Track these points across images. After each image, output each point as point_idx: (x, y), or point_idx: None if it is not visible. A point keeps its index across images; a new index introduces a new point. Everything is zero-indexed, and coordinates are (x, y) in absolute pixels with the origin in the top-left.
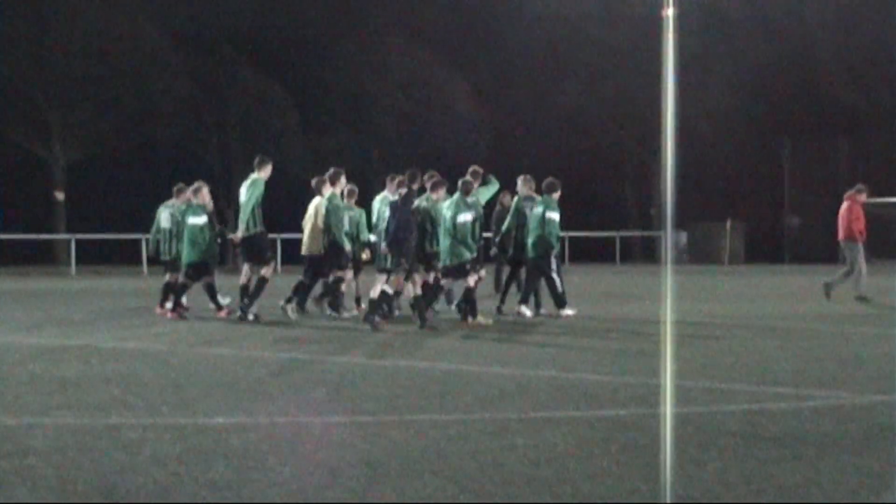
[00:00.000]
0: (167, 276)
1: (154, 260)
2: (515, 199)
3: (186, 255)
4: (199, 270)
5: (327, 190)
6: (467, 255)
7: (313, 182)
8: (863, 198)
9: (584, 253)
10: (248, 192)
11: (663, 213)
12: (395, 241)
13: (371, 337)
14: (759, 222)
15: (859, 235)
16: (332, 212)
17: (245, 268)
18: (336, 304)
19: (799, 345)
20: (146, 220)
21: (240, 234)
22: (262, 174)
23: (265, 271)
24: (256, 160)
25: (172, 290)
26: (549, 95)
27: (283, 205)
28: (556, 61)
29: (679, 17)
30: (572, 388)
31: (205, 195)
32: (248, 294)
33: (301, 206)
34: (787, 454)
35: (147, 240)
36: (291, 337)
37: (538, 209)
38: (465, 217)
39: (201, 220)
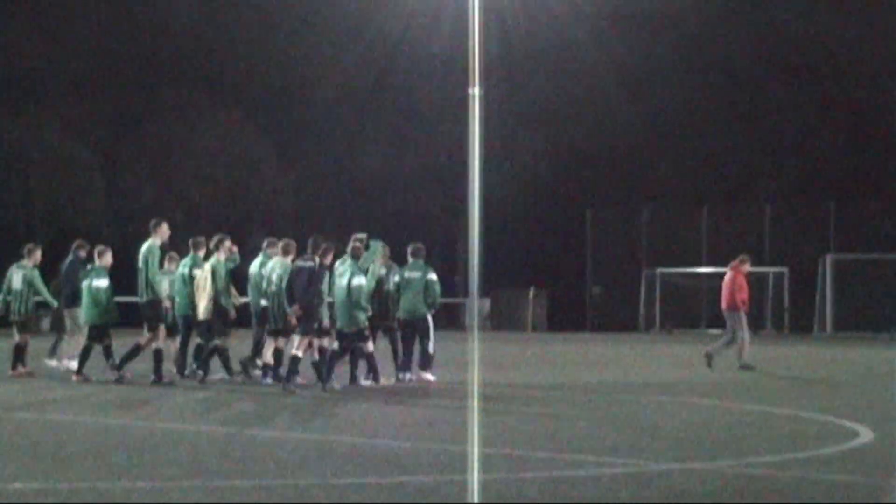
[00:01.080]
0: (16, 337)
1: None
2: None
3: (89, 316)
4: (101, 332)
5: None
6: (363, 319)
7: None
8: (746, 268)
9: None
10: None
11: (469, 280)
12: (308, 305)
13: (172, 400)
14: (562, 290)
15: (742, 304)
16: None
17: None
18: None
19: (599, 412)
20: None
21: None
22: (157, 238)
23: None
24: (152, 223)
25: (23, 351)
26: (355, 159)
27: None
28: (361, 125)
29: (485, 90)
30: (375, 454)
31: (108, 258)
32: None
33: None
34: None
35: None
36: (120, 402)
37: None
38: (360, 280)
39: (104, 282)
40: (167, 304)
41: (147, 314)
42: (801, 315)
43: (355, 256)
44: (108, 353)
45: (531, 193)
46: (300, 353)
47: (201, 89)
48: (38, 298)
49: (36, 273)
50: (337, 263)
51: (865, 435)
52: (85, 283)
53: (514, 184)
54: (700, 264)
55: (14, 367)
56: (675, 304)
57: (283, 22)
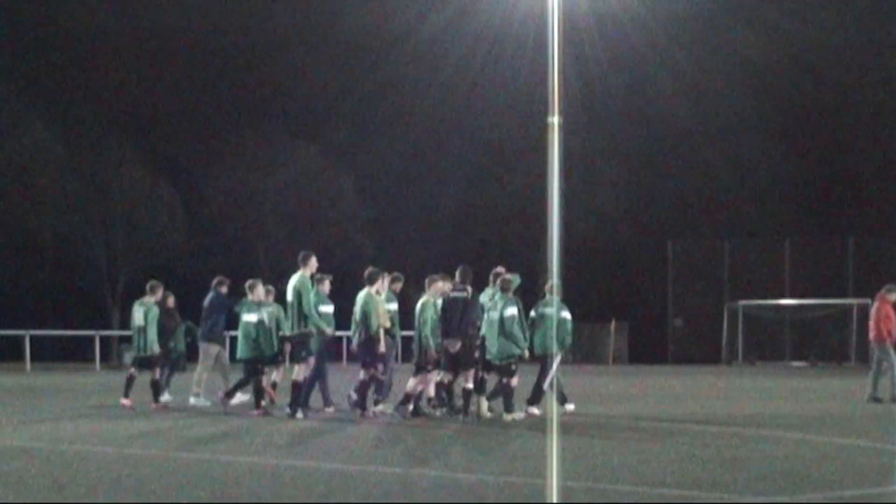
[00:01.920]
0: (155, 373)
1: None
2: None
3: (241, 351)
4: (254, 366)
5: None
6: (516, 351)
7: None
8: (892, 297)
9: None
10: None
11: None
12: (465, 336)
13: (258, 436)
14: (643, 323)
15: (888, 336)
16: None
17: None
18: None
19: (682, 446)
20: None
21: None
22: (306, 270)
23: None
24: (301, 255)
25: (157, 386)
26: (435, 194)
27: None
28: (441, 160)
29: (564, 121)
30: (459, 488)
31: (259, 292)
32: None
33: (187, 301)
34: None
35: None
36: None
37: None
38: (512, 311)
39: (254, 316)
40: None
41: (298, 347)
42: None
43: (504, 289)
44: (257, 387)
45: (612, 225)
46: (470, 385)
47: (281, 125)
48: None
49: (155, 310)
50: (483, 297)
51: None
52: (243, 319)
53: (594, 216)
54: (783, 296)
55: (156, 400)
56: (757, 336)
57: (362, 58)
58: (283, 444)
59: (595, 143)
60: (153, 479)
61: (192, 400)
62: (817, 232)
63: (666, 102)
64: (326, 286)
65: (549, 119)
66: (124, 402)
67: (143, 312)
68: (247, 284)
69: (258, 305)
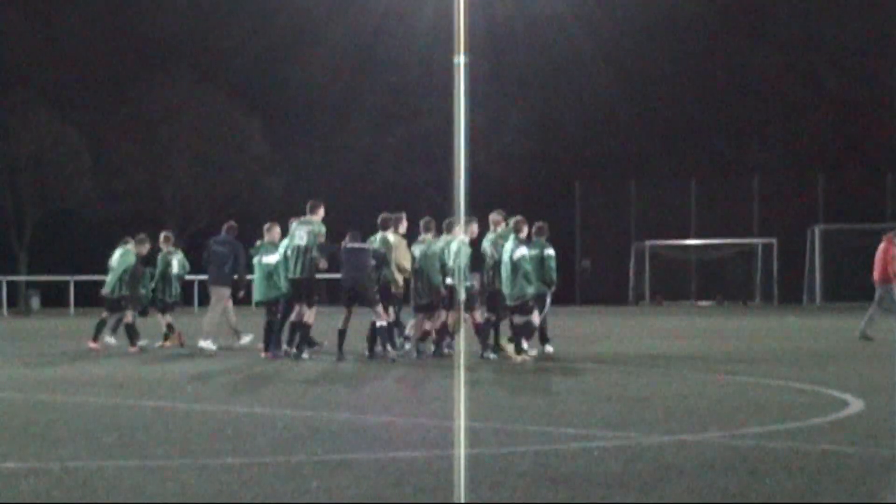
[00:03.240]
0: (127, 316)
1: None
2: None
3: (260, 293)
4: (271, 307)
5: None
6: (529, 290)
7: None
8: None
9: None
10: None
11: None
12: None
13: (165, 381)
14: None
15: (894, 277)
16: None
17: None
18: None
19: (590, 386)
20: None
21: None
22: (316, 216)
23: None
24: (309, 205)
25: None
26: (343, 136)
27: (79, 246)
28: (348, 103)
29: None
30: (366, 430)
31: (275, 233)
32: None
33: (95, 246)
34: (576, 495)
35: None
36: (109, 382)
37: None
38: (522, 252)
39: (273, 257)
40: None
41: (307, 291)
42: (791, 286)
43: (517, 231)
44: (270, 327)
45: (519, 167)
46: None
47: (186, 68)
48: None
49: (130, 257)
50: (485, 242)
51: (855, 405)
52: (255, 260)
53: (501, 158)
54: (689, 236)
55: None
56: (664, 276)
57: (266, 1)
58: (210, 389)
59: (502, 84)
60: (59, 423)
61: (201, 343)
62: (723, 172)
63: (572, 44)
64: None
65: (455, 59)
66: (92, 345)
67: (118, 255)
68: (265, 227)
69: (275, 247)
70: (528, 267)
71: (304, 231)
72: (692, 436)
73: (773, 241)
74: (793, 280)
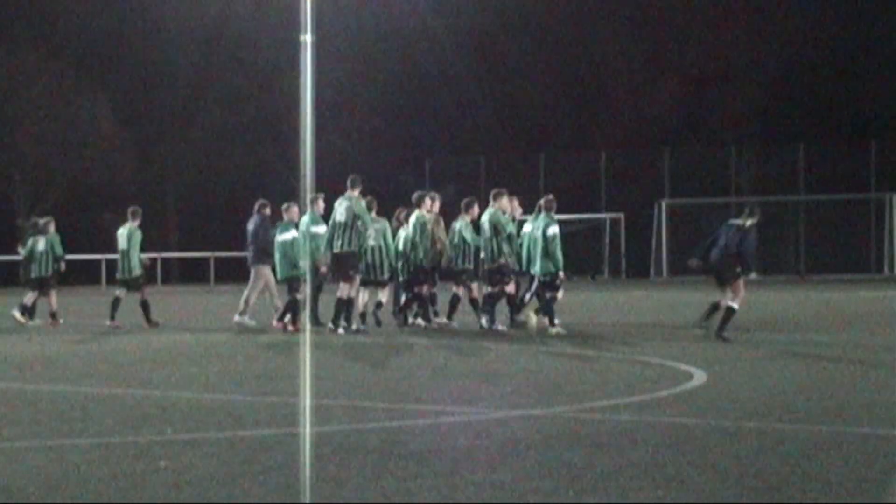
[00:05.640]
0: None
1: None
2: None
3: (283, 271)
4: (295, 284)
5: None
6: (551, 269)
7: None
8: None
9: (232, 273)
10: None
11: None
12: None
13: (12, 361)
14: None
15: None
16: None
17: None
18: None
19: (438, 361)
20: None
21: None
22: (355, 192)
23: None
24: (350, 179)
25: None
26: (194, 115)
27: None
28: (197, 81)
29: (318, 42)
30: (214, 409)
31: (293, 212)
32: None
33: None
34: (424, 470)
35: None
36: None
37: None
38: (554, 230)
39: (290, 235)
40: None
41: (346, 265)
42: (638, 260)
43: (548, 209)
44: (290, 305)
45: (369, 145)
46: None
47: (32, 45)
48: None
49: (138, 234)
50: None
51: (699, 377)
52: (278, 239)
53: (350, 135)
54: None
55: (112, 319)
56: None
57: None
58: (59, 370)
59: (352, 62)
60: None
61: (236, 317)
62: (571, 146)
63: (420, 21)
64: (320, 206)
65: (302, 37)
66: (110, 323)
67: (126, 237)
68: (283, 207)
69: (294, 225)
70: (558, 244)
71: (343, 207)
72: (539, 410)
73: (621, 215)
74: (640, 254)
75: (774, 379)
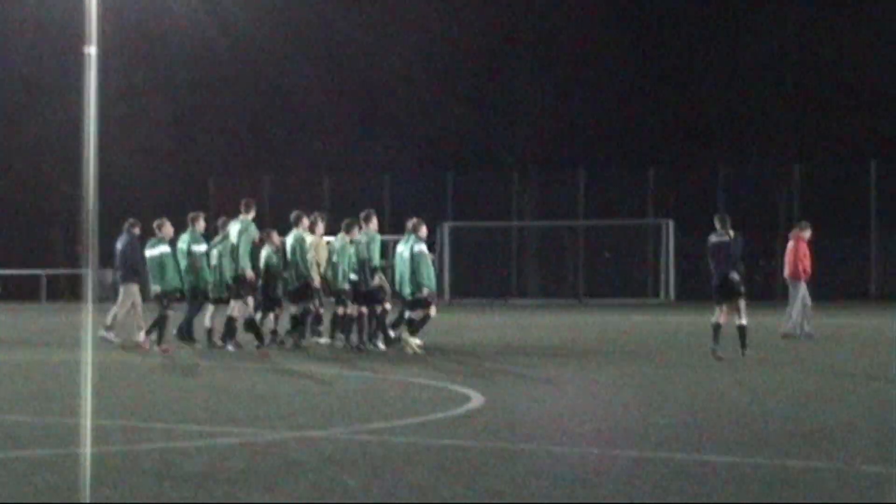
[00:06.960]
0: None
1: None
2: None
3: (154, 284)
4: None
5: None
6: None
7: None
8: (807, 234)
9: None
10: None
11: (90, 251)
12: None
13: None
14: None
15: (803, 274)
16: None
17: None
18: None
19: (218, 383)
20: None
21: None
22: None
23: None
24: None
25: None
26: None
27: None
28: None
29: (104, 55)
30: None
31: (167, 229)
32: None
33: None
34: (199, 493)
35: None
36: None
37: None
38: (420, 247)
39: (159, 250)
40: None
41: (239, 286)
42: None
43: (415, 230)
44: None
45: (154, 163)
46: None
47: None
48: None
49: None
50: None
51: (476, 399)
52: (147, 254)
53: (136, 153)
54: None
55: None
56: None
57: None
58: None
59: (140, 77)
60: None
61: (101, 332)
62: (355, 171)
63: (204, 39)
64: (201, 224)
65: (86, 50)
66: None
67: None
68: (155, 223)
69: (168, 242)
70: (427, 263)
71: (234, 230)
72: (316, 432)
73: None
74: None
75: (550, 402)
